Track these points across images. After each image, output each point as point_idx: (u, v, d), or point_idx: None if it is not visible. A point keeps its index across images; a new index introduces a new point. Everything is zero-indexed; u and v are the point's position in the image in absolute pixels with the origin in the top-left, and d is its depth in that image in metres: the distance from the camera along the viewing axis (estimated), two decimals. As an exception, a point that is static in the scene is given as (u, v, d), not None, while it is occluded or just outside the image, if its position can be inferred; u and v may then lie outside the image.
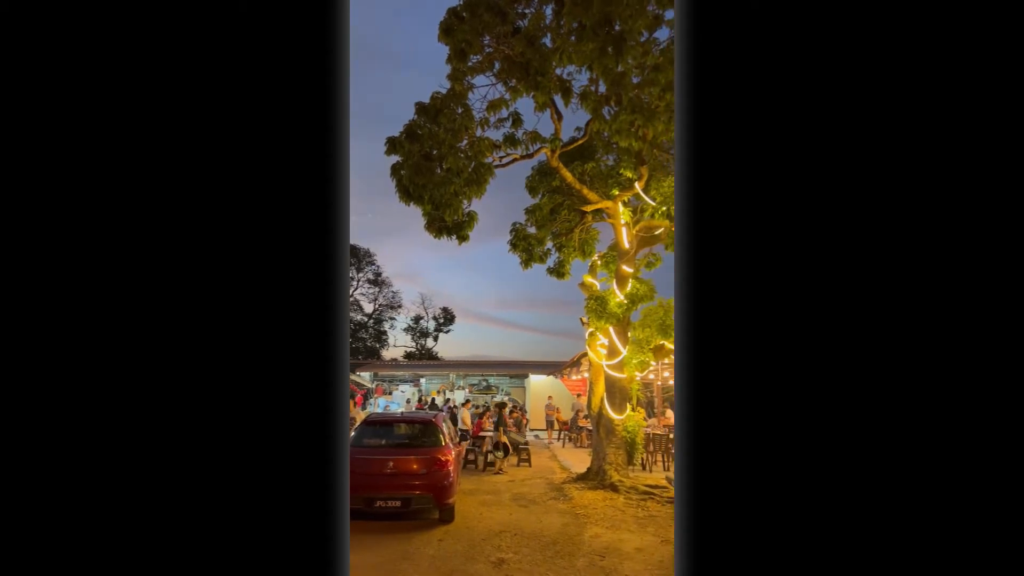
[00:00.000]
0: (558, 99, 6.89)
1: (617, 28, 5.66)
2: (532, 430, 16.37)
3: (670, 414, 14.30)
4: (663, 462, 9.95)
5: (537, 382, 19.88)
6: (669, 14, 6.27)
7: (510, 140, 7.04)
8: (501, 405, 11.65)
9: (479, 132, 6.76)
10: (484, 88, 6.84)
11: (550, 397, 16.58)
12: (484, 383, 22.88)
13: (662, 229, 8.30)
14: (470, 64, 6.41)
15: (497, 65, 6.54)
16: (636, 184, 7.80)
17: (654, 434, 10.23)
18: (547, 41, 6.38)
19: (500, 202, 11.38)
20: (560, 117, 7.47)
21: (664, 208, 7.39)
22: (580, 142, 8.00)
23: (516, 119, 6.93)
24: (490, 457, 10.01)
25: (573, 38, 6.00)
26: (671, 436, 10.41)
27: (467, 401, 15.43)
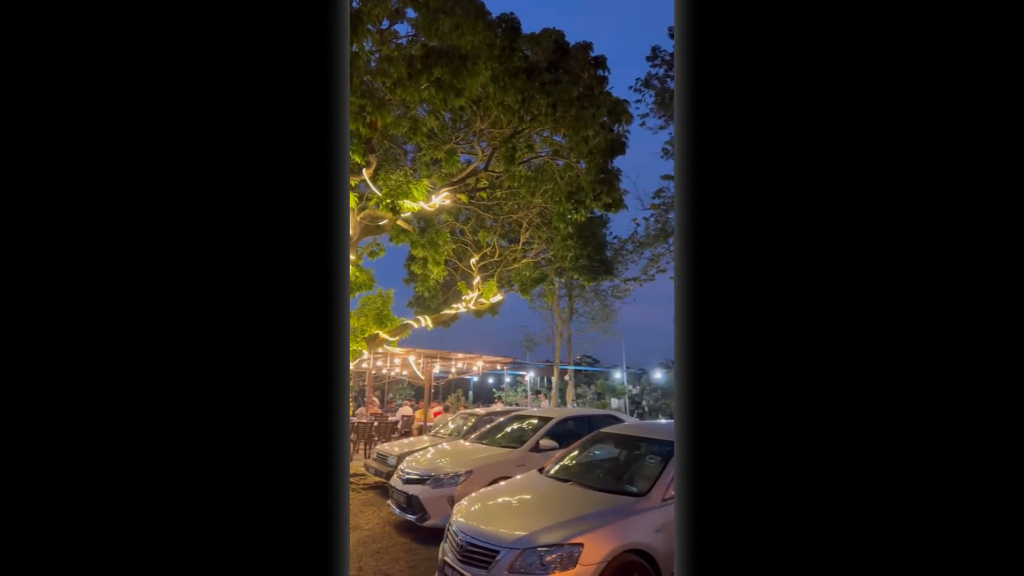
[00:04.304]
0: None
1: (355, 6, 5.47)
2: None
3: (376, 401, 14.61)
4: (364, 450, 10.06)
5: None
6: (410, 12, 6.40)
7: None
8: None
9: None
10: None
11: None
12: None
13: (386, 221, 8.39)
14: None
15: None
16: (364, 171, 7.67)
17: (359, 423, 10.25)
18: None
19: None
20: (286, 79, 6.73)
21: (389, 200, 7.48)
22: (308, 113, 7.39)
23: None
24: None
25: None
26: (375, 424, 10.63)
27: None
